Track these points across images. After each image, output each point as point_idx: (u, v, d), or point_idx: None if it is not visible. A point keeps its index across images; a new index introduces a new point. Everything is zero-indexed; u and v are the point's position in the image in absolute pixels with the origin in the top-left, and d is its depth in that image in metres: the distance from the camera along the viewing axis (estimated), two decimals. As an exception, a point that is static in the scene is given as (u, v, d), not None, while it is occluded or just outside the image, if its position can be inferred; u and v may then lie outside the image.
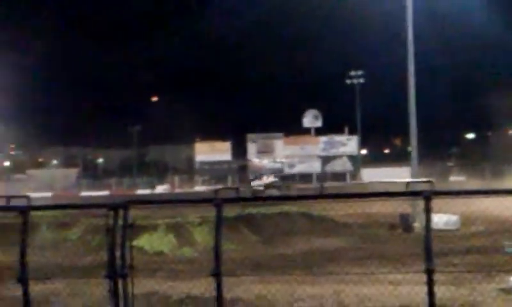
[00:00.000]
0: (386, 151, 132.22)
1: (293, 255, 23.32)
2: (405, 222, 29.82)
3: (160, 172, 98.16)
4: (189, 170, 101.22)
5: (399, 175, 47.79)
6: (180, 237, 26.69)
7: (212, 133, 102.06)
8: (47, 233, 26.89)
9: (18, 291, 8.70)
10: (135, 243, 8.97)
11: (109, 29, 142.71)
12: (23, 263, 8.38)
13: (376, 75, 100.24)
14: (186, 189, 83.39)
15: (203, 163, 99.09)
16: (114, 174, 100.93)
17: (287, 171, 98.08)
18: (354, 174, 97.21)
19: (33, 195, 18.96)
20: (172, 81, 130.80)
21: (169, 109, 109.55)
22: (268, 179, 76.02)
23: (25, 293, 8.46)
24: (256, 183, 73.24)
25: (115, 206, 8.39)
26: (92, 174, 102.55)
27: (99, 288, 12.10)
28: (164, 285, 17.44)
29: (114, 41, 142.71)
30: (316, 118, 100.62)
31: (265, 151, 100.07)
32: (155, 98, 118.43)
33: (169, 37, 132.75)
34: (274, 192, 68.15)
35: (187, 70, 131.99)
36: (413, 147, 36.52)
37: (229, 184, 78.47)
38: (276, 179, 78.47)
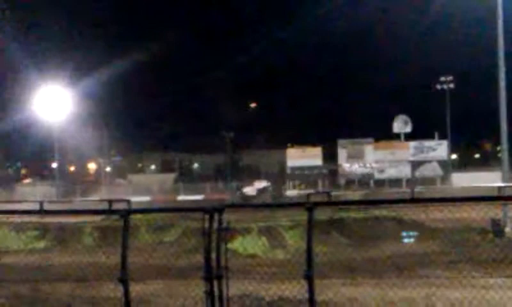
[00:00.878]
0: (477, 155, 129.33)
1: (383, 258, 23.28)
2: (496, 227, 29.26)
3: (253, 176, 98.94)
4: (281, 175, 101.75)
5: (489, 180, 46.68)
6: (273, 240, 27.09)
7: (304, 139, 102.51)
8: (145, 235, 27.83)
9: (119, 291, 9.01)
10: (229, 245, 9.29)
11: (204, 32, 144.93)
12: (124, 264, 8.68)
13: (466, 80, 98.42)
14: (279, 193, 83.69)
15: (294, 168, 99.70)
16: (209, 179, 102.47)
17: (377, 176, 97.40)
18: (444, 179, 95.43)
19: (133, 199, 19.70)
20: (265, 87, 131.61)
21: (262, 115, 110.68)
22: (261, 184, 75.29)
23: (126, 293, 8.75)
24: (248, 189, 72.51)
25: (211, 210, 8.63)
26: (188, 179, 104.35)
27: (195, 289, 12.59)
28: (257, 287, 17.83)
29: (208, 45, 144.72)
30: (406, 123, 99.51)
31: (355, 157, 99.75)
32: (248, 105, 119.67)
33: (260, 43, 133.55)
34: (267, 197, 67.53)
35: (279, 76, 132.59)
36: (503, 151, 35.79)
37: (320, 189, 78.29)
38: (269, 184, 77.82)
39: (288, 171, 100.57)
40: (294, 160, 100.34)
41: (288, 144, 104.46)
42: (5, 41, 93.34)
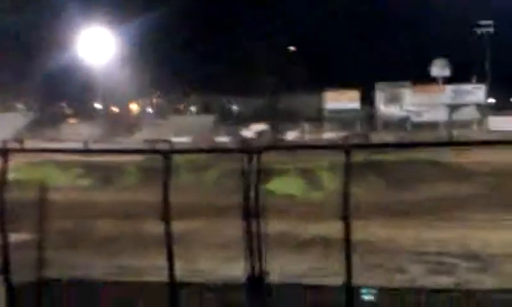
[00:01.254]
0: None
1: (420, 201, 23.46)
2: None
3: (291, 119, 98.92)
4: (319, 118, 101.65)
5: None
6: (309, 181, 27.42)
7: (342, 81, 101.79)
8: (185, 175, 28.35)
9: (161, 228, 9.36)
10: (267, 186, 9.55)
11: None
12: (166, 203, 9.03)
13: (506, 24, 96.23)
14: (315, 136, 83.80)
15: (332, 111, 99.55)
16: (248, 121, 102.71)
17: (415, 119, 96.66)
18: (481, 123, 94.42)
19: (173, 139, 20.02)
20: (303, 31, 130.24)
21: (300, 58, 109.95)
22: (259, 127, 74.41)
23: (168, 232, 9.09)
24: (247, 133, 71.69)
25: (249, 151, 8.82)
26: (228, 121, 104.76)
27: (233, 228, 13.00)
28: (294, 226, 18.22)
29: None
30: (444, 67, 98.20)
31: (393, 100, 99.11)
32: (289, 48, 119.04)
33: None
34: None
35: (319, 20, 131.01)
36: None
37: (357, 131, 78.07)
38: (267, 127, 77.08)
39: (326, 114, 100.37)
40: (332, 103, 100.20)
41: (326, 87, 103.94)
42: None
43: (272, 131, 77.24)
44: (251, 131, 73.23)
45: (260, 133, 70.96)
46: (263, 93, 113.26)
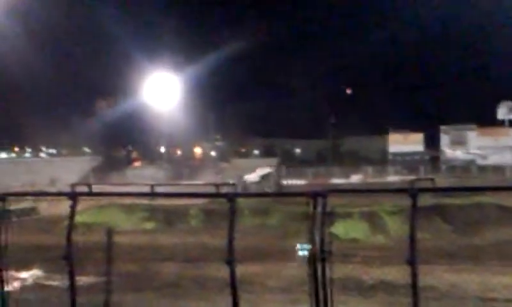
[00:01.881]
0: None
1: (486, 245, 22.97)
2: None
3: (354, 162, 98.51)
4: (382, 160, 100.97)
5: None
6: (374, 225, 27.17)
7: (405, 125, 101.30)
8: (248, 218, 28.45)
9: (223, 271, 9.33)
10: (331, 229, 9.51)
11: (306, 21, 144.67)
12: (230, 246, 8.98)
13: None
14: (379, 179, 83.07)
15: (396, 154, 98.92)
16: (310, 164, 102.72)
17: (480, 162, 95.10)
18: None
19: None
20: (366, 73, 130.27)
21: (363, 100, 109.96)
22: (263, 171, 73.52)
23: (232, 274, 9.04)
24: (250, 177, 70.77)
25: (315, 195, 8.82)
26: (290, 164, 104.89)
27: (297, 271, 12.93)
28: (358, 271, 18.01)
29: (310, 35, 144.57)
30: (510, 109, 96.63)
31: (458, 143, 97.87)
32: (349, 90, 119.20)
33: (365, 29, 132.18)
34: (270, 185, 65.75)
35: (381, 61, 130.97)
36: None
37: (421, 175, 77.07)
38: (272, 170, 76.04)
39: (390, 157, 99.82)
40: (396, 146, 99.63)
41: (390, 130, 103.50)
42: (117, 28, 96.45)
43: (277, 174, 77.11)
44: (255, 174, 73.09)
45: (264, 177, 70.87)
46: (326, 136, 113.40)
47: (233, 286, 8.96)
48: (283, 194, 22.69)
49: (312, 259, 8.87)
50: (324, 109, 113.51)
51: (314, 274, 8.86)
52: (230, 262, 8.94)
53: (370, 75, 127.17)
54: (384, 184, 73.28)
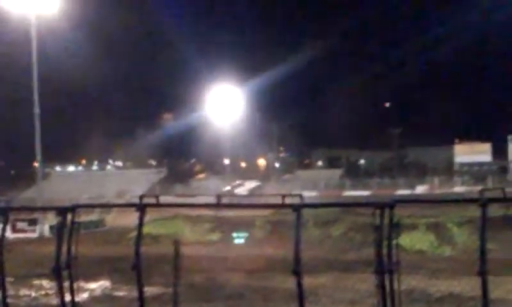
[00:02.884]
0: None
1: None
2: None
3: (420, 173, 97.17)
4: (448, 171, 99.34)
5: None
6: (440, 236, 26.73)
7: (472, 135, 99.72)
8: (313, 229, 28.35)
9: (289, 282, 9.29)
10: (398, 241, 9.35)
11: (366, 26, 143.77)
12: (297, 257, 8.83)
13: None
14: (445, 190, 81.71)
15: (462, 164, 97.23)
16: (375, 175, 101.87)
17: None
18: None
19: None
20: (430, 83, 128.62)
21: (427, 110, 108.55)
22: (251, 184, 72.04)
23: (299, 285, 8.88)
24: (239, 190, 69.36)
25: (382, 205, 8.71)
26: (354, 175, 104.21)
27: (363, 283, 12.81)
28: (425, 283, 17.74)
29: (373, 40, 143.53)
30: None
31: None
32: (414, 100, 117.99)
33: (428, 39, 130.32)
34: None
35: (445, 71, 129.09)
36: None
37: (489, 185, 75.50)
38: (260, 184, 74.49)
39: (456, 168, 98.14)
40: (462, 156, 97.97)
41: (456, 141, 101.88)
42: (182, 43, 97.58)
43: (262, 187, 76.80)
44: (244, 187, 72.67)
45: (252, 190, 70.46)
46: (391, 146, 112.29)
47: (300, 297, 8.86)
48: (349, 204, 22.45)
49: (380, 271, 8.73)
50: (388, 119, 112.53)
51: (382, 286, 8.72)
52: (297, 273, 8.85)
53: (436, 85, 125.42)
54: (450, 195, 72.03)
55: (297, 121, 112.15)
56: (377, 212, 8.63)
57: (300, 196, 9.45)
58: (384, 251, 8.80)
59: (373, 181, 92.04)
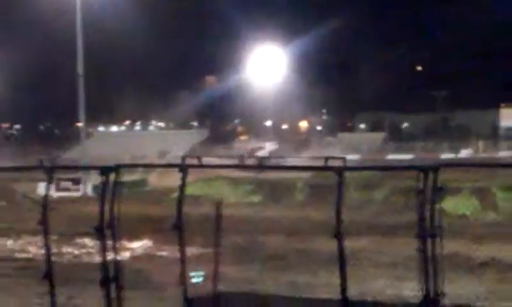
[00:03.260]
0: None
1: None
2: None
3: (464, 137, 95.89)
4: (493, 135, 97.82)
5: None
6: (484, 201, 26.41)
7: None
8: (355, 192, 28.23)
9: (329, 245, 9.29)
10: (440, 205, 9.21)
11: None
12: (338, 220, 8.90)
13: None
14: (490, 154, 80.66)
15: (508, 128, 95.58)
16: (418, 139, 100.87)
17: None
18: None
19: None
20: (479, 46, 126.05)
21: (475, 74, 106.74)
22: (272, 146, 70.84)
23: (341, 248, 8.85)
24: (261, 152, 68.38)
25: (426, 169, 8.56)
26: (397, 138, 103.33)
27: (405, 247, 12.72)
28: (468, 247, 17.63)
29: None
30: None
31: None
32: (461, 63, 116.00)
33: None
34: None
35: (490, 34, 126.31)
36: None
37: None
38: (277, 147, 73.36)
39: (502, 132, 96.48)
40: (508, 121, 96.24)
41: (502, 105, 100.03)
42: (224, 4, 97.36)
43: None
44: (264, 150, 72.07)
45: (272, 152, 69.97)
46: (435, 110, 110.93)
47: (341, 260, 8.79)
48: (392, 167, 22.23)
49: (422, 235, 8.62)
50: (433, 82, 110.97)
51: (423, 250, 8.62)
52: (338, 236, 8.77)
53: (482, 48, 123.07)
54: (495, 159, 71.12)
55: (340, 84, 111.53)
56: (421, 175, 8.50)
57: (343, 159, 9.28)
58: (427, 215, 8.70)
59: (416, 145, 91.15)
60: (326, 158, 9.39)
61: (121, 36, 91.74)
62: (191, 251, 11.41)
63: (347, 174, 8.83)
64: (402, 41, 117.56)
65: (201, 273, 9.78)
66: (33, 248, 19.64)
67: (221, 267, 10.12)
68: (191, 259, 10.01)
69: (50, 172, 9.94)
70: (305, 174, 32.98)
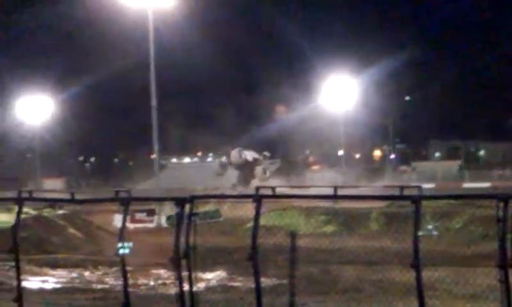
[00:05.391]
0: None
1: None
2: None
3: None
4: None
5: None
6: None
7: None
8: (430, 222, 27.74)
9: (405, 276, 9.07)
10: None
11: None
12: (416, 250, 8.59)
13: None
14: None
15: None
16: (496, 167, 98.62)
17: None
18: None
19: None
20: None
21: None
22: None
23: (418, 279, 8.66)
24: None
25: (506, 197, 8.33)
26: (473, 166, 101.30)
27: (485, 277, 12.35)
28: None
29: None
30: None
31: None
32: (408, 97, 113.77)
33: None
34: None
35: None
36: None
37: None
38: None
39: None
40: None
41: None
42: (294, 33, 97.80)
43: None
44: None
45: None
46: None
47: (419, 290, 8.62)
48: (471, 196, 21.76)
49: (503, 265, 8.37)
50: (508, 111, 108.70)
51: (505, 281, 8.36)
52: (416, 266, 8.61)
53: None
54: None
55: (412, 111, 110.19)
56: (501, 204, 8.29)
57: (419, 187, 9.17)
58: (508, 244, 8.46)
59: (494, 173, 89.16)
60: (401, 187, 9.29)
61: (192, 69, 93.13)
62: (265, 281, 11.35)
63: (423, 203, 8.67)
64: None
65: (129, 244, 9.65)
66: (110, 279, 19.90)
67: (296, 298, 10.03)
68: (266, 291, 9.95)
69: (127, 203, 10.08)
70: (380, 204, 32.61)
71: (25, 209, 22.20)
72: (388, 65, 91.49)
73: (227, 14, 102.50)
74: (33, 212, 31.67)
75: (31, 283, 19.83)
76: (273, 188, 9.47)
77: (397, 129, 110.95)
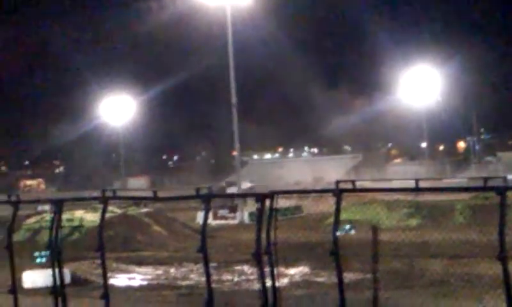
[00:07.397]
0: None
1: None
2: None
3: None
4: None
5: None
6: None
7: None
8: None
9: (492, 269, 8.84)
10: None
11: None
12: (502, 242, 8.44)
13: None
14: None
15: None
16: None
17: None
18: None
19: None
20: None
21: None
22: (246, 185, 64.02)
23: (506, 271, 8.44)
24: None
25: None
26: None
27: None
28: None
29: None
30: None
31: None
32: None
33: None
34: None
35: None
36: None
37: None
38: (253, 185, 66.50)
39: None
40: None
41: None
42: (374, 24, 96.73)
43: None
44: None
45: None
46: None
47: (507, 283, 8.38)
48: None
49: None
50: None
51: None
52: (502, 258, 8.37)
53: None
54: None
55: (498, 102, 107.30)
56: None
57: (504, 178, 8.95)
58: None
59: None
60: (485, 179, 9.13)
61: (271, 66, 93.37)
62: (348, 276, 11.28)
63: (509, 193, 8.44)
64: None
65: (46, 253, 9.54)
66: (195, 275, 20.15)
67: (381, 293, 9.93)
68: (349, 285, 9.89)
69: (208, 201, 10.18)
70: (464, 196, 31.91)
71: (110, 208, 22.74)
72: (472, 56, 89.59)
73: (304, 9, 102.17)
74: (118, 211, 32.34)
75: (118, 280, 20.31)
76: (353, 182, 9.41)
77: (482, 120, 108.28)
